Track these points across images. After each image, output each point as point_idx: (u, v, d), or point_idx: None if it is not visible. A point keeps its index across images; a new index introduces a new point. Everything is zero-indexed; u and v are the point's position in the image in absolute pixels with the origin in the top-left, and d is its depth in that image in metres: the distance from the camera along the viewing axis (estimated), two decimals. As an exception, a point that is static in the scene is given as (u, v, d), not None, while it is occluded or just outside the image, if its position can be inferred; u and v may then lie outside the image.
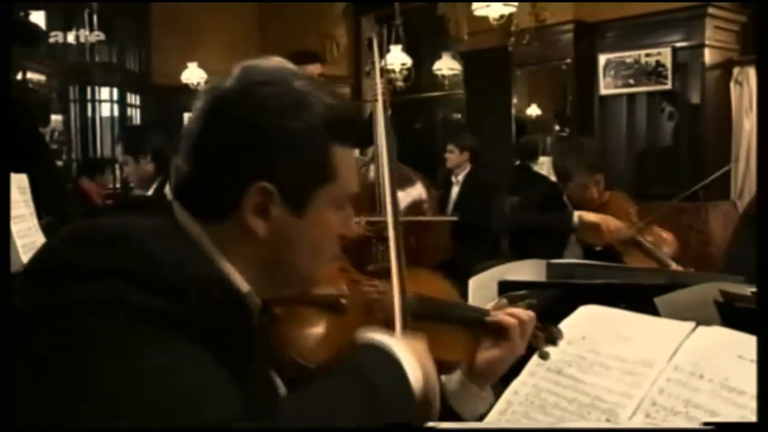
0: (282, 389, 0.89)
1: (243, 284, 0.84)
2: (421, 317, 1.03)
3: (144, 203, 0.82)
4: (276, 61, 0.87)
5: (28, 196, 1.93)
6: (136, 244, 0.73)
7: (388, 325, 0.99)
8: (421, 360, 0.86)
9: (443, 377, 1.09)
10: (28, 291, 0.72)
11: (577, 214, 2.56)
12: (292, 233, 0.84)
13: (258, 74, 0.84)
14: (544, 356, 1.04)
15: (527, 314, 1.12)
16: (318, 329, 1.00)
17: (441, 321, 1.10)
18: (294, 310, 0.97)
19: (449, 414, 1.06)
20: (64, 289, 0.69)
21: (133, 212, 0.85)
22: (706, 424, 0.76)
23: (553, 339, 1.08)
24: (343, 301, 1.03)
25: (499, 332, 1.10)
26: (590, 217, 2.52)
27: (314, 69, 3.54)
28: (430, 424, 0.80)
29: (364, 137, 0.92)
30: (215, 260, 0.82)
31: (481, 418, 1.06)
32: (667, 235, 2.65)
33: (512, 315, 1.11)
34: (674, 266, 2.39)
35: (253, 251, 0.83)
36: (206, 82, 1.01)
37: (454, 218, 2.87)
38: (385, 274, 1.08)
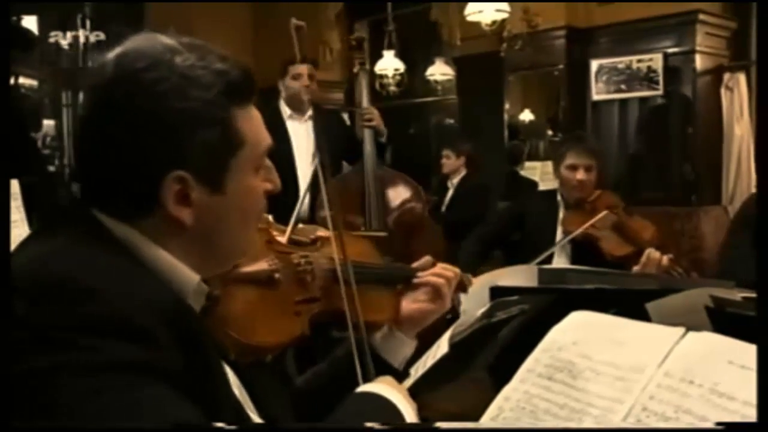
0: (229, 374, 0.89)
1: (192, 275, 0.82)
2: (356, 283, 1.06)
3: (63, 216, 0.78)
4: (152, 40, 0.81)
5: (20, 201, 1.92)
6: (91, 290, 0.69)
7: (323, 293, 1.04)
8: (407, 397, 0.89)
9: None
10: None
11: None
12: (219, 211, 0.82)
13: (136, 59, 0.78)
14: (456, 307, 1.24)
15: (453, 271, 1.25)
16: (256, 307, 1.01)
17: (373, 284, 1.17)
18: (230, 289, 0.97)
19: (377, 362, 1.12)
20: (37, 356, 0.65)
21: (56, 231, 0.80)
22: (717, 424, 0.76)
23: (464, 287, 1.28)
24: (277, 275, 1.04)
25: (430, 290, 1.22)
26: None
27: (306, 69, 3.56)
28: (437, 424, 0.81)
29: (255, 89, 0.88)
30: (157, 264, 0.79)
31: (407, 362, 1.19)
32: (646, 223, 2.77)
33: (439, 275, 1.23)
34: (650, 250, 2.55)
35: (187, 239, 0.81)
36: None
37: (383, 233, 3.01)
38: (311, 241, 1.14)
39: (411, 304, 1.22)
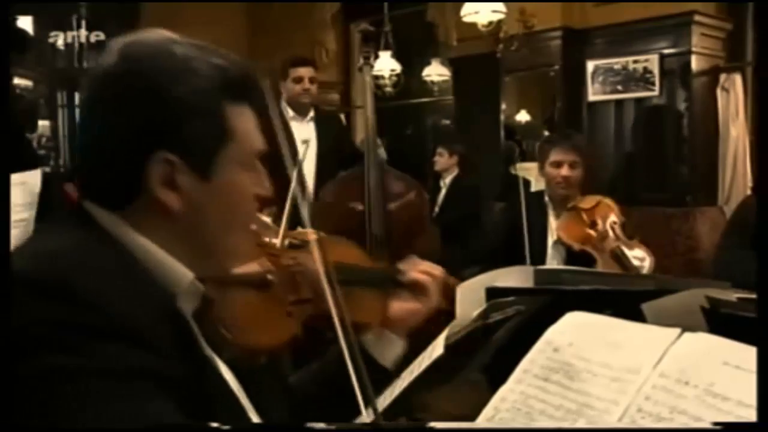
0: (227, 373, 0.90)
1: (184, 271, 0.83)
2: (343, 284, 1.06)
3: (58, 212, 0.81)
4: (156, 33, 0.86)
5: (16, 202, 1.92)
6: (89, 293, 0.70)
7: (314, 295, 1.04)
8: None
9: None
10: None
11: None
12: (205, 199, 0.83)
13: (139, 48, 0.83)
14: None
15: (438, 269, 1.27)
16: (249, 308, 1.02)
17: (360, 286, 1.17)
18: (224, 291, 0.98)
19: (368, 363, 1.08)
20: (39, 357, 0.66)
21: (51, 228, 0.82)
22: (716, 424, 0.76)
23: (449, 288, 1.26)
24: (270, 277, 1.06)
25: (416, 289, 1.24)
26: None
27: (306, 72, 3.67)
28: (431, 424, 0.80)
29: (259, 95, 0.91)
30: (147, 257, 0.80)
31: (397, 362, 1.20)
32: (645, 252, 2.68)
33: (425, 272, 1.25)
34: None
35: (173, 227, 0.82)
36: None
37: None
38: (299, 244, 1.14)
39: (399, 303, 1.24)
